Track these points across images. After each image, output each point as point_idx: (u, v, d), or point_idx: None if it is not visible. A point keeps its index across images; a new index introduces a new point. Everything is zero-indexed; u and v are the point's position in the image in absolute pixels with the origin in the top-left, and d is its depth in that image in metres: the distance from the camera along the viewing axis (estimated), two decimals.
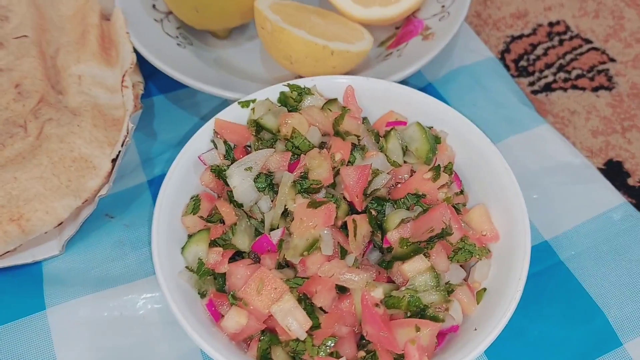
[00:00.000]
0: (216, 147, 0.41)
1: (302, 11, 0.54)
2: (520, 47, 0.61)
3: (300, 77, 0.51)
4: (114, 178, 0.44)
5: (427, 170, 0.40)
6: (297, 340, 0.34)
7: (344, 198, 0.38)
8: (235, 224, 0.38)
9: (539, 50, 0.61)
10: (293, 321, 0.33)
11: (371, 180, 0.38)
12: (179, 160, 0.40)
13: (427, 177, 0.39)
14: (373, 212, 0.38)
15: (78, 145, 0.44)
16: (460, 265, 0.39)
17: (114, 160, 0.44)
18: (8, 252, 0.42)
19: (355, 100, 0.44)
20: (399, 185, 0.40)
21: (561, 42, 0.62)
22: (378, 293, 0.35)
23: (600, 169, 0.53)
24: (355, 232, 0.36)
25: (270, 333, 0.35)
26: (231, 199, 0.39)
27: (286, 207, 0.37)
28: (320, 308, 0.35)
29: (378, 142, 0.41)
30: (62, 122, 0.45)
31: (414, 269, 0.36)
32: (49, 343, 0.40)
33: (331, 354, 0.34)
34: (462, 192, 0.42)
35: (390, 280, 0.37)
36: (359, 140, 0.41)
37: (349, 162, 0.39)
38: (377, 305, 0.34)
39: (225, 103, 0.44)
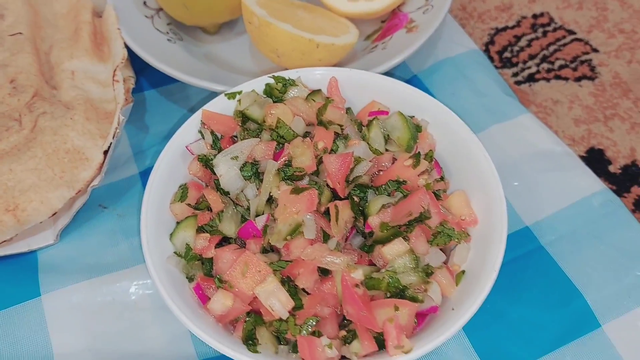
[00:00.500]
0: (203, 138, 0.43)
1: (288, 6, 0.55)
2: (504, 39, 0.63)
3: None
4: (105, 169, 0.45)
5: (408, 158, 0.41)
6: (280, 320, 0.35)
7: (327, 185, 0.39)
8: (222, 211, 0.39)
9: (523, 42, 0.63)
10: (276, 302, 0.35)
11: (353, 167, 0.40)
12: (167, 151, 0.42)
13: (407, 164, 0.40)
14: (355, 199, 0.40)
15: (71, 137, 0.46)
16: (441, 249, 0.40)
17: (105, 152, 0.46)
18: (4, 241, 0.44)
19: (338, 91, 0.45)
20: (381, 173, 0.41)
21: (545, 33, 0.63)
22: (358, 274, 0.36)
23: (582, 157, 0.54)
24: (337, 217, 0.38)
25: (255, 314, 0.37)
26: (218, 187, 0.40)
27: (271, 194, 0.38)
28: (303, 290, 0.36)
29: (361, 131, 0.43)
30: (56, 115, 0.47)
31: (394, 251, 0.37)
32: (43, 328, 0.42)
33: (313, 333, 0.35)
34: (442, 178, 0.44)
35: (372, 264, 0.38)
36: (342, 129, 0.42)
37: (332, 150, 0.40)
38: (357, 286, 0.36)
39: (214, 96, 0.46)
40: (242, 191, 0.40)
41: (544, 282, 0.45)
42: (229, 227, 0.38)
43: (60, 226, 0.45)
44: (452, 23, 0.61)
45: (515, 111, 0.54)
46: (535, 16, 0.65)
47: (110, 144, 0.45)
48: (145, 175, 0.49)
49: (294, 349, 0.35)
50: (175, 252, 0.38)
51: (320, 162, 0.40)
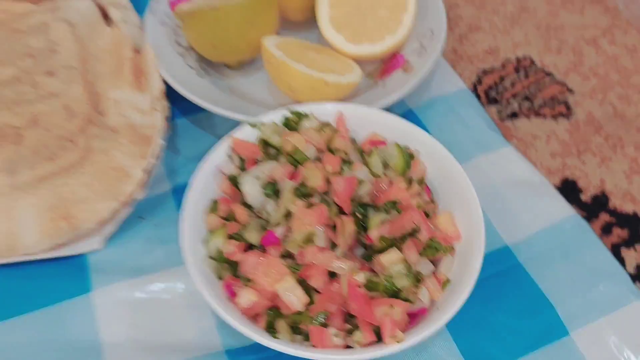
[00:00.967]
0: (232, 160, 0.51)
1: (302, 48, 0.64)
2: (490, 79, 0.71)
3: (300, 103, 0.61)
4: (146, 185, 0.53)
5: (403, 182, 0.49)
6: (296, 313, 0.43)
7: (335, 202, 0.47)
8: (247, 223, 0.47)
9: (507, 82, 0.71)
10: (293, 297, 0.42)
11: (357, 188, 0.48)
12: (200, 170, 0.50)
13: (402, 187, 0.48)
14: (358, 215, 0.47)
15: (117, 157, 0.54)
16: (431, 261, 0.48)
17: (146, 170, 0.54)
18: (59, 245, 0.51)
19: (344, 124, 0.53)
20: (380, 194, 0.49)
21: (527, 75, 0.72)
22: (360, 277, 0.44)
23: (557, 186, 0.62)
24: (343, 230, 0.45)
25: (275, 309, 0.44)
26: (244, 202, 0.48)
27: (288, 208, 0.46)
28: (315, 289, 0.44)
29: (363, 158, 0.51)
30: (104, 138, 0.55)
31: (390, 259, 0.45)
32: (93, 320, 0.49)
33: (323, 325, 0.43)
34: (432, 200, 0.51)
35: (371, 270, 0.46)
36: (347, 156, 0.50)
37: (339, 173, 0.48)
38: (359, 287, 0.43)
39: (237, 124, 0.54)
40: (263, 206, 0.48)
41: (521, 294, 0.52)
42: (253, 236, 0.46)
43: (106, 233, 0.53)
44: (444, 64, 0.69)
45: (498, 144, 0.62)
46: (518, 60, 0.73)
47: (151, 163, 0.53)
48: (176, 191, 0.57)
49: (307, 337, 0.43)
50: (209, 256, 0.46)
51: (329, 183, 0.47)
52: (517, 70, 0.72)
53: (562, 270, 0.53)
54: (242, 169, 0.50)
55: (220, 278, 0.46)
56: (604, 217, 0.61)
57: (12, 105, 0.57)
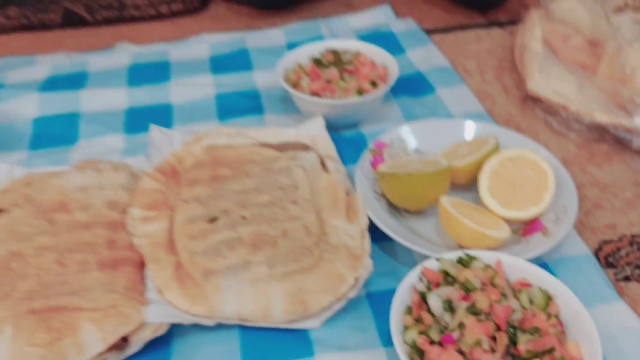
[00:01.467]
0: (422, 281, 0.74)
1: (467, 206, 0.88)
2: (609, 248, 0.91)
3: (462, 247, 0.84)
4: (356, 288, 0.78)
5: (543, 315, 0.69)
6: None
7: (495, 321, 0.68)
8: (431, 325, 0.69)
9: (623, 252, 0.90)
10: None
11: (511, 314, 0.69)
12: (402, 285, 0.73)
13: (543, 318, 0.69)
14: (510, 333, 0.68)
15: (337, 266, 0.79)
16: None
17: (356, 278, 0.78)
18: (293, 320, 0.76)
19: (501, 268, 0.76)
20: (526, 321, 0.70)
21: (639, 249, 0.91)
22: None
23: None
24: (500, 341, 0.66)
25: None
26: (429, 311, 0.71)
27: (462, 321, 0.68)
28: None
29: (514, 294, 0.72)
30: (330, 252, 0.81)
31: None
32: None
33: None
34: (563, 331, 0.71)
35: None
36: (503, 290, 0.72)
37: (498, 302, 0.70)
38: None
39: (413, 254, 0.77)
40: (442, 316, 0.70)
41: None
42: (435, 335, 0.68)
43: (323, 318, 0.77)
44: (573, 232, 0.90)
45: (613, 299, 0.81)
46: (633, 236, 0.93)
47: (361, 274, 0.78)
48: (369, 295, 0.81)
49: None
50: (405, 343, 0.68)
51: (491, 307, 0.69)
52: (631, 244, 0.91)
53: None
54: (429, 288, 0.73)
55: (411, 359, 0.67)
56: None
57: (270, 221, 0.85)
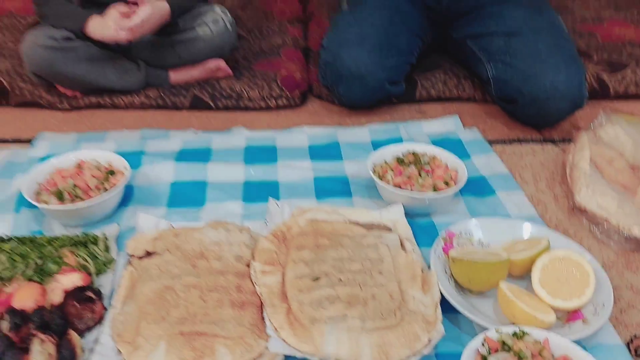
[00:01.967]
0: (484, 346, 0.94)
1: (521, 292, 1.08)
2: (639, 342, 1.09)
3: (513, 323, 1.04)
4: (430, 346, 0.98)
5: None
6: None
7: None
8: None
9: None
10: None
11: None
12: (467, 349, 0.93)
13: None
14: None
15: (415, 327, 1.00)
16: None
17: (429, 339, 0.99)
18: None
19: (548, 344, 0.95)
20: None
21: None
22: None
23: None
24: None
25: None
26: None
27: None
28: None
29: None
30: (409, 316, 1.02)
31: None
32: None
33: None
34: None
35: None
36: None
37: None
38: None
39: (471, 322, 0.97)
40: None
41: None
42: None
43: None
44: (608, 324, 1.09)
45: None
46: None
47: (434, 336, 0.99)
48: (438, 356, 1.01)
49: None
50: None
51: None
52: None
53: None
54: (489, 352, 0.93)
55: None
56: None
57: (361, 285, 1.07)
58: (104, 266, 1.13)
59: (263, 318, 1.03)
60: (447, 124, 1.70)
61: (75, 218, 1.25)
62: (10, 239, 1.19)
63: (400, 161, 1.39)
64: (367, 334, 0.99)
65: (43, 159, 1.47)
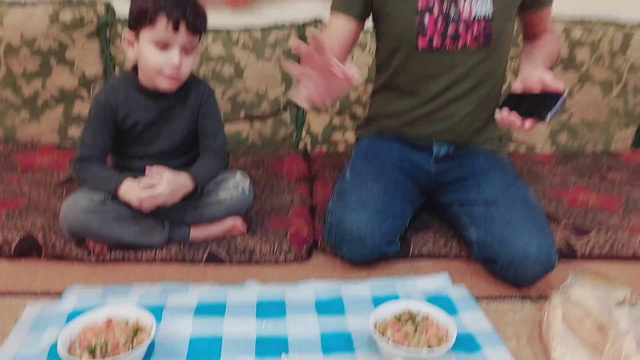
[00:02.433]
0: None
1: None
2: None
3: None
4: None
5: None
6: None
7: None
8: None
9: None
10: None
11: None
12: None
13: None
14: None
15: None
16: None
17: None
18: None
19: None
20: None
21: None
22: None
23: None
24: None
25: None
26: None
27: None
28: None
29: None
30: None
31: None
32: None
33: None
34: None
35: None
36: None
37: None
38: None
39: None
40: None
41: None
42: None
43: None
44: None
45: None
46: None
47: None
48: None
49: None
50: None
51: None
52: None
53: None
54: None
55: None
56: None
57: None
58: None
59: None
60: (439, 281, 1.91)
61: None
62: None
63: (398, 319, 1.57)
64: None
65: (73, 313, 1.63)
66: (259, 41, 2.76)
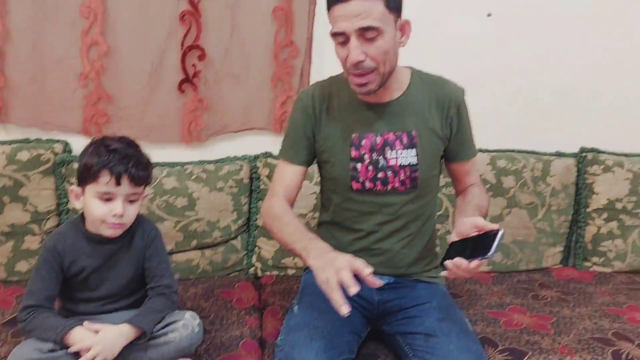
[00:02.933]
0: None
1: None
2: None
3: None
4: None
5: None
6: None
7: None
8: None
9: None
10: None
11: None
12: None
13: None
14: None
15: None
16: None
17: None
18: None
19: None
20: None
21: None
22: None
23: None
24: None
25: None
26: None
27: None
28: None
29: None
30: None
31: None
32: None
33: None
34: None
35: None
36: None
37: None
38: None
39: None
40: None
41: None
42: None
43: None
44: None
45: None
46: None
47: None
48: None
49: None
50: None
51: None
52: None
53: None
54: None
55: None
56: None
57: None
58: None
59: None
60: None
61: None
62: None
63: None
64: None
65: None
66: (212, 172, 2.92)
